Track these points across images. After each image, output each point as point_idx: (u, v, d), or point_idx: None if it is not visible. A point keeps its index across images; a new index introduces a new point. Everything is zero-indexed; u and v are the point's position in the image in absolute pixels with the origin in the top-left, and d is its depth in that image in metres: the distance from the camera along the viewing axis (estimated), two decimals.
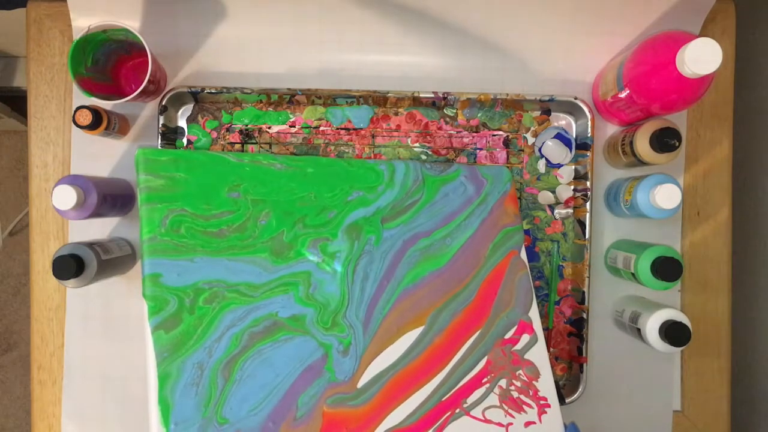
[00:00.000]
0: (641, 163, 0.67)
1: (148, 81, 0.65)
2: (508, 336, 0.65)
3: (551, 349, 0.74)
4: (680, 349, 0.68)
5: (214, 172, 0.58)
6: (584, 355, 0.72)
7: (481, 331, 0.64)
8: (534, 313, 0.66)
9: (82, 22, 0.73)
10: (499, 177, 0.70)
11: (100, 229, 0.75)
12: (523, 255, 0.68)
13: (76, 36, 0.73)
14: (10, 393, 1.52)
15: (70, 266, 0.62)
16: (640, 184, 0.66)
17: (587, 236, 0.72)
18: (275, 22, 0.74)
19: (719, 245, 0.76)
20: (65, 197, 0.62)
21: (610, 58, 0.72)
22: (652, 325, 0.66)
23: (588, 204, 0.72)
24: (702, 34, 0.74)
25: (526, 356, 0.64)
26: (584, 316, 0.72)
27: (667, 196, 0.63)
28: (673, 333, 0.63)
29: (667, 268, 0.63)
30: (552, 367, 0.74)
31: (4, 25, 1.08)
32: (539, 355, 0.65)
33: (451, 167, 0.69)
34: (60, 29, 0.75)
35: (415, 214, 0.65)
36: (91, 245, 0.66)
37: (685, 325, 0.63)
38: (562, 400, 0.72)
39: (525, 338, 0.65)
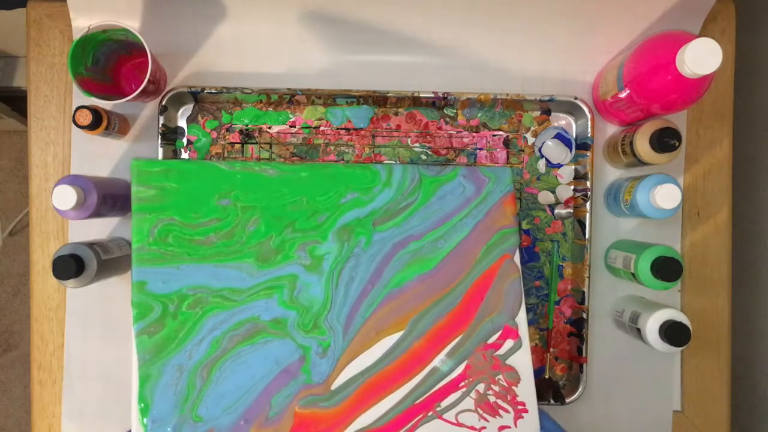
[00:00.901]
0: (641, 163, 0.67)
1: (148, 81, 0.65)
2: (491, 341, 0.64)
3: (551, 349, 0.74)
4: (680, 349, 0.68)
5: (204, 180, 0.59)
6: (584, 355, 0.72)
7: (463, 336, 0.63)
8: (521, 319, 0.65)
9: (82, 22, 0.73)
10: (502, 176, 0.68)
11: (100, 229, 0.75)
12: (517, 259, 0.66)
13: (76, 36, 0.73)
14: (10, 393, 1.52)
15: (70, 266, 0.62)
16: (640, 184, 0.66)
17: (587, 236, 0.72)
18: (275, 22, 0.74)
19: (719, 245, 0.76)
20: (65, 197, 0.62)
21: (610, 58, 0.72)
22: (652, 325, 0.66)
23: (588, 204, 0.72)
24: (702, 34, 0.74)
25: (508, 361, 0.63)
26: (584, 316, 0.72)
27: (667, 196, 0.63)
28: (673, 333, 0.63)
29: (667, 268, 0.63)
30: (552, 368, 0.74)
31: (4, 25, 1.08)
32: (522, 360, 0.64)
33: (449, 168, 0.67)
34: (60, 29, 0.75)
35: (408, 217, 0.64)
36: (91, 245, 0.66)
37: (685, 325, 0.63)
38: (562, 400, 0.72)
39: (509, 343, 0.64)
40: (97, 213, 0.66)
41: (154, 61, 0.66)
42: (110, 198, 0.68)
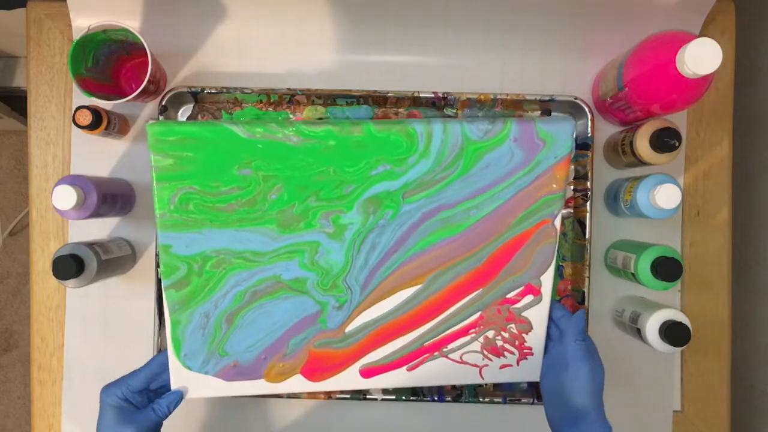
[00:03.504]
0: (641, 163, 0.67)
1: (148, 81, 0.65)
2: (509, 296, 0.62)
3: None
4: (680, 349, 0.68)
5: (223, 150, 0.56)
6: None
7: (481, 291, 0.62)
8: (546, 277, 0.62)
9: (82, 22, 0.73)
10: (561, 138, 0.59)
11: (100, 229, 0.75)
12: (557, 222, 0.61)
13: (76, 36, 0.73)
14: (10, 393, 1.52)
15: (70, 266, 0.62)
16: (640, 184, 0.66)
17: (587, 236, 0.72)
18: (275, 21, 0.74)
19: (719, 245, 0.76)
20: (65, 197, 0.62)
21: (610, 58, 0.72)
22: (652, 325, 0.66)
23: (588, 204, 0.72)
24: (702, 34, 0.74)
25: (524, 314, 0.63)
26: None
27: (667, 196, 0.63)
28: (673, 333, 0.63)
29: (667, 268, 0.63)
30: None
31: (4, 25, 1.08)
32: (538, 314, 0.63)
33: (499, 125, 0.58)
34: (60, 29, 0.75)
35: (443, 188, 0.59)
36: (91, 245, 0.66)
37: (685, 325, 0.63)
38: None
39: (528, 299, 0.62)
40: (97, 213, 0.66)
41: (154, 61, 0.66)
42: (110, 198, 0.68)
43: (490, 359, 0.64)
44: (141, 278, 0.75)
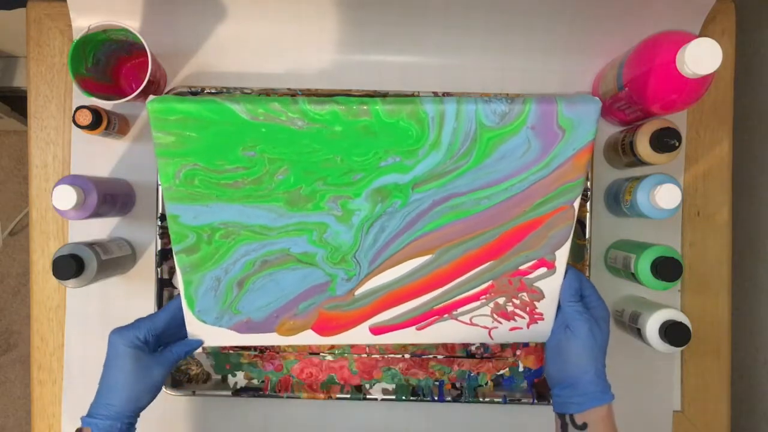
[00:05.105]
0: (641, 163, 0.67)
1: (148, 81, 0.65)
2: (522, 268, 0.61)
3: None
4: (680, 349, 0.68)
5: (227, 132, 0.54)
6: None
7: (492, 263, 0.61)
8: (562, 252, 0.60)
9: (82, 22, 0.73)
10: (583, 122, 0.54)
11: (100, 229, 0.75)
12: (576, 204, 0.58)
13: (76, 36, 0.73)
14: (10, 393, 1.52)
15: (70, 266, 0.62)
16: (640, 184, 0.66)
17: (587, 236, 0.72)
18: (275, 21, 0.74)
19: (719, 245, 0.76)
20: (65, 197, 0.62)
21: (610, 58, 0.72)
22: (652, 325, 0.66)
23: (588, 204, 0.72)
24: (702, 34, 0.74)
25: (536, 284, 0.62)
26: None
27: (667, 196, 0.63)
28: (673, 333, 0.63)
29: (667, 268, 0.63)
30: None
31: (4, 25, 1.08)
32: (551, 285, 0.62)
33: (518, 107, 0.53)
34: (60, 29, 0.75)
35: (454, 179, 0.57)
36: (91, 245, 0.66)
37: (685, 325, 0.63)
38: None
39: (540, 270, 0.61)
40: (97, 213, 0.66)
41: (154, 61, 0.66)
42: (110, 198, 0.68)
43: (500, 322, 0.64)
44: (141, 278, 0.75)
